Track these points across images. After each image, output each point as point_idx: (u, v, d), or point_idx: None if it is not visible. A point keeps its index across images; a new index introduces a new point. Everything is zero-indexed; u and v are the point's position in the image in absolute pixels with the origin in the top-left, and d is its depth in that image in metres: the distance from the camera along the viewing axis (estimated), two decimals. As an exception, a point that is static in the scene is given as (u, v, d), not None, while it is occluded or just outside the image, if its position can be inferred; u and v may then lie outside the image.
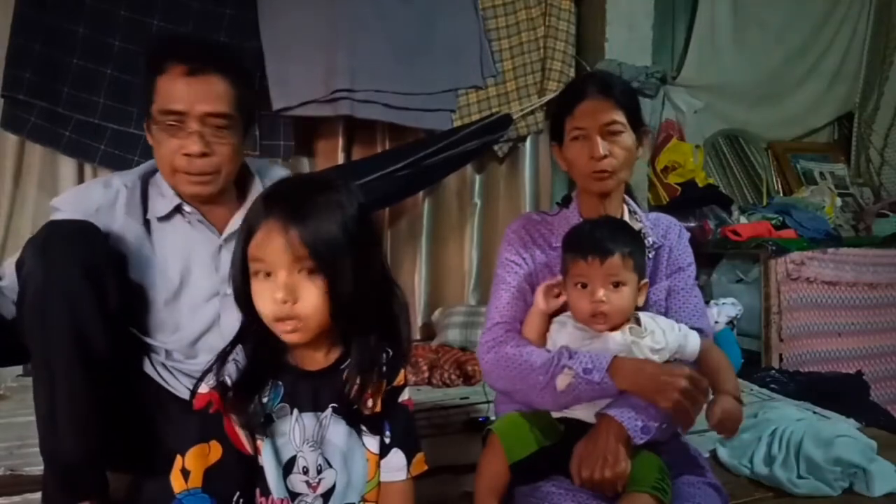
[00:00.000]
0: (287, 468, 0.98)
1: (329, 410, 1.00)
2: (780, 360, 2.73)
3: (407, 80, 2.83)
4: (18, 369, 2.37)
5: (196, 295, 1.38)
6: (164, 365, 1.38)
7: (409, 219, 3.11)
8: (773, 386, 2.38)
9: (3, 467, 1.59)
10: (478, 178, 3.22)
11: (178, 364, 1.37)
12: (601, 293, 1.17)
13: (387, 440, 1.03)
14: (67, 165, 2.62)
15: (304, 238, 0.91)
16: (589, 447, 1.13)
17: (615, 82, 1.36)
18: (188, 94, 1.25)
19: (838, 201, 3.53)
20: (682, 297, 1.34)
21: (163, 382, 1.38)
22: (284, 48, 2.67)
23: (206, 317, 1.38)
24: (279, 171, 1.53)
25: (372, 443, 1.03)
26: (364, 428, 1.02)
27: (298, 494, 0.98)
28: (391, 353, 1.05)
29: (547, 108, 3.09)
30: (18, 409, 2.09)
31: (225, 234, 1.39)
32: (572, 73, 3.14)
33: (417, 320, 3.10)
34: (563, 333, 1.24)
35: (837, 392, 2.34)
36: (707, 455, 1.33)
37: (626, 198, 1.40)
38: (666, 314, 1.32)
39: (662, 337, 1.20)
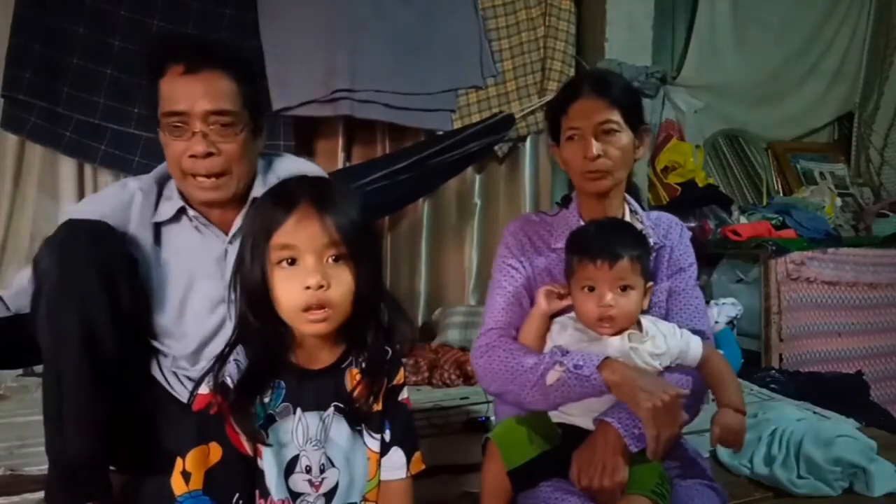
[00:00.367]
0: (289, 468, 0.98)
1: (331, 409, 1.00)
2: (780, 360, 2.73)
3: (407, 80, 2.83)
4: (19, 370, 2.37)
5: (201, 302, 1.36)
6: (171, 369, 1.37)
7: (410, 219, 3.11)
8: (773, 386, 2.38)
9: (2, 467, 1.59)
10: (478, 178, 3.22)
11: (184, 371, 1.37)
12: (609, 297, 1.16)
13: (387, 438, 1.03)
14: (67, 166, 2.62)
15: (338, 223, 0.93)
16: (587, 455, 1.12)
17: (612, 81, 1.34)
18: (188, 92, 1.23)
19: (838, 201, 3.52)
20: (684, 299, 1.33)
21: (168, 387, 1.37)
22: (284, 48, 2.67)
23: (210, 324, 1.36)
24: (289, 163, 1.48)
25: (373, 442, 1.03)
26: (365, 427, 1.02)
27: (300, 494, 0.98)
28: (391, 352, 1.05)
29: (547, 107, 3.08)
30: (18, 409, 2.09)
31: (231, 234, 1.37)
32: (572, 72, 3.13)
33: (417, 320, 3.11)
34: (564, 335, 1.23)
35: (837, 392, 2.34)
36: (707, 455, 1.33)
37: (628, 197, 1.39)
38: (667, 315, 1.31)
39: (663, 342, 1.19)
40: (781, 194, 3.71)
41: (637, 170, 3.07)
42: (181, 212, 1.36)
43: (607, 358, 1.15)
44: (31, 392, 2.23)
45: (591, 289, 1.18)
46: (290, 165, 1.44)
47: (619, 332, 1.19)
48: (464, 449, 1.66)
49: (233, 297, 0.99)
